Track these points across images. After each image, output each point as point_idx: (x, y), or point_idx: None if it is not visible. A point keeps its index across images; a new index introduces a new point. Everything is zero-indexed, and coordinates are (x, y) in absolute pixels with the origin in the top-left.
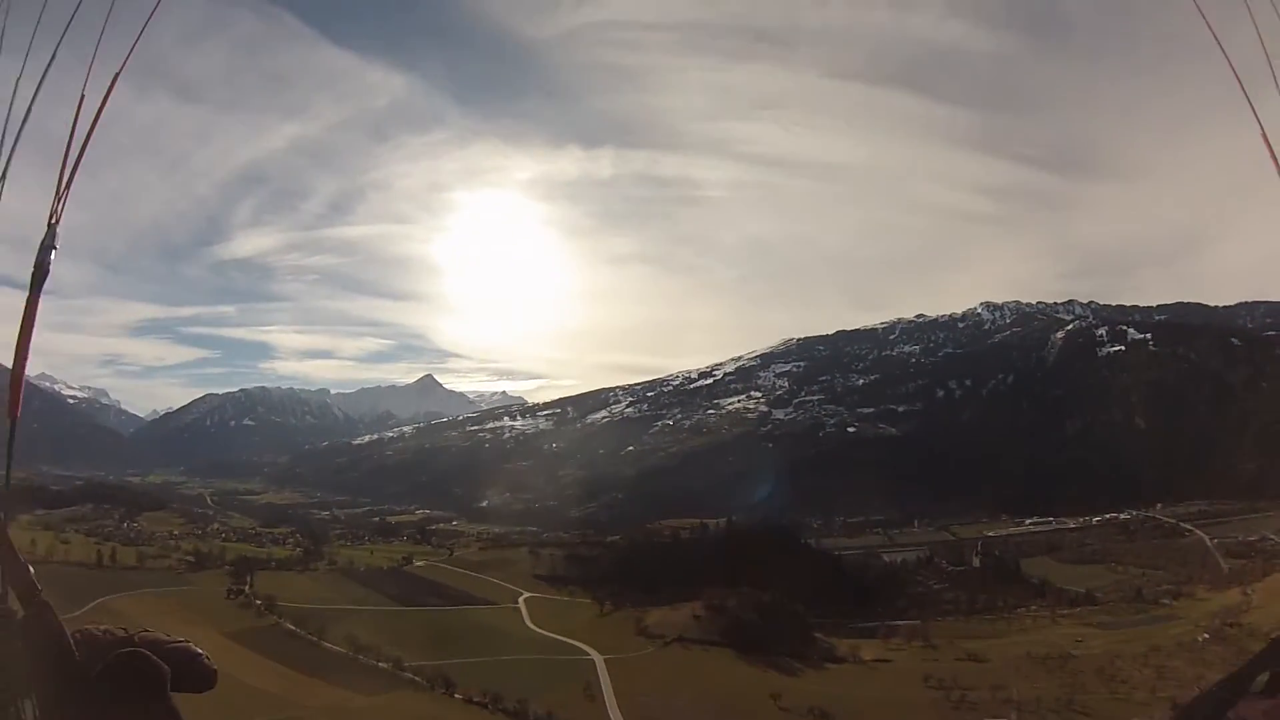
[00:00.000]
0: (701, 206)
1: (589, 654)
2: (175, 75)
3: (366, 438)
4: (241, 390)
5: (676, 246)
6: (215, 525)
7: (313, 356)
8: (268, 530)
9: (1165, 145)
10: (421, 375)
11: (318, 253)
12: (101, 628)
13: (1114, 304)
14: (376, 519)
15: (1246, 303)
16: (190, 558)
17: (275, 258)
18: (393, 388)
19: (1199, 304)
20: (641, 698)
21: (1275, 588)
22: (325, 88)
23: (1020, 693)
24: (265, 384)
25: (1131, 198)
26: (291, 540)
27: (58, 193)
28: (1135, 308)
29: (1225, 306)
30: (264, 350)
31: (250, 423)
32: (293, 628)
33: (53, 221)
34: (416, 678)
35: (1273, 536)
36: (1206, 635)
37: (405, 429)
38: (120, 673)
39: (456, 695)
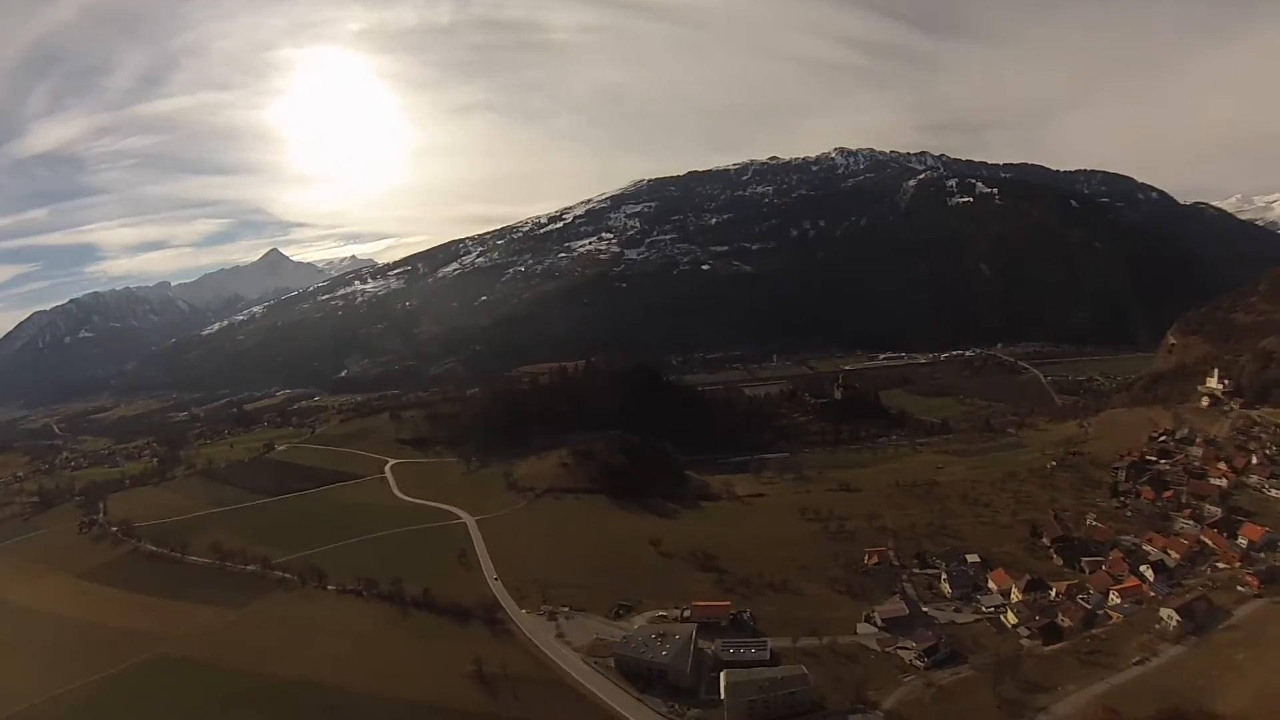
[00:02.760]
0: (550, 52)
1: (460, 517)
2: None
3: (215, 326)
4: (71, 301)
5: (524, 94)
6: (64, 455)
7: (145, 250)
8: (122, 447)
9: (1031, 15)
10: (266, 251)
11: (132, 134)
12: None
13: (964, 159)
14: (235, 410)
15: (1086, 170)
16: (35, 498)
17: (84, 146)
18: (237, 269)
19: (1043, 166)
20: (519, 557)
21: (1107, 422)
22: None
23: (894, 520)
24: (97, 289)
25: (992, 61)
26: (148, 452)
27: None
28: (984, 164)
29: (1066, 171)
30: (88, 252)
31: (88, 334)
32: (153, 548)
33: None
34: (286, 574)
35: (1098, 377)
36: (1054, 463)
37: (255, 309)
38: None
39: (329, 587)
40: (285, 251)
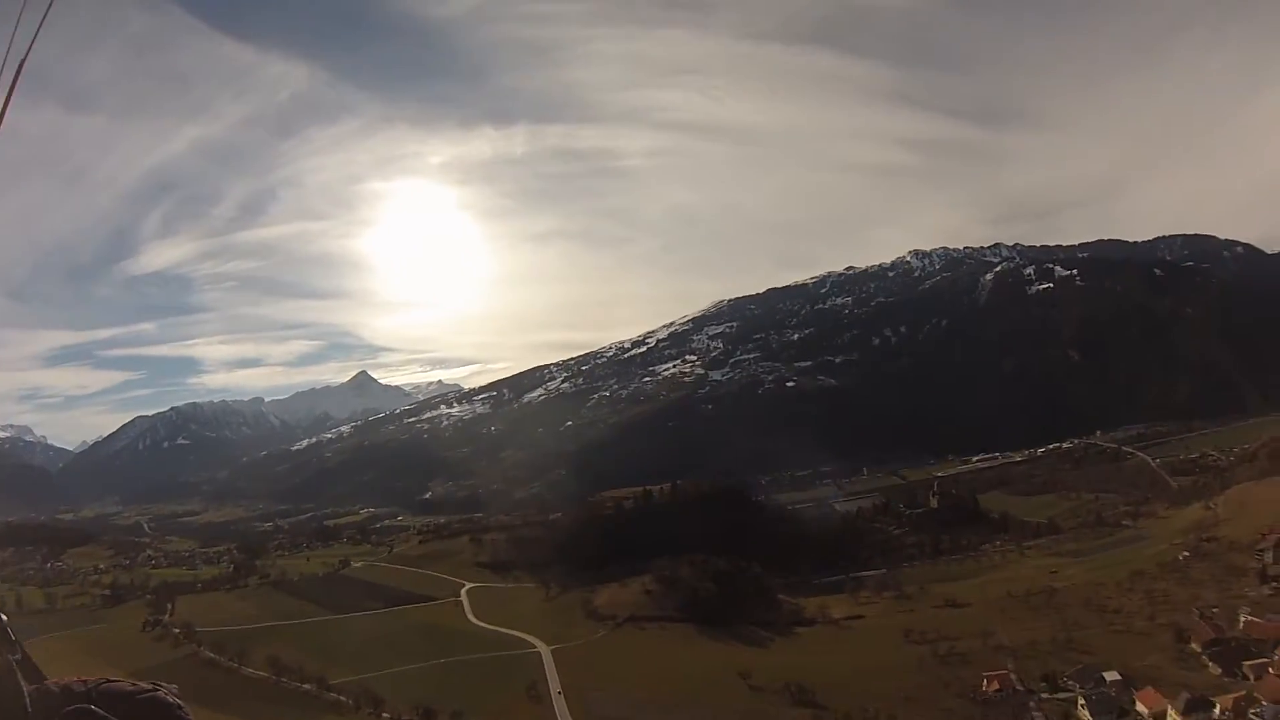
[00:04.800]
0: (621, 178)
1: (535, 645)
2: (64, 83)
3: (305, 442)
4: (172, 409)
5: (598, 220)
6: (147, 553)
7: (242, 366)
8: (204, 550)
9: (1081, 94)
10: (355, 373)
11: (234, 258)
12: (60, 681)
13: (1039, 245)
14: (317, 524)
15: (1164, 237)
16: (107, 591)
17: (190, 267)
18: (327, 388)
19: (1119, 240)
20: (594, 692)
21: (1237, 499)
22: (225, 85)
23: (1012, 637)
24: (196, 400)
25: (1050, 145)
26: (226, 558)
27: None
28: (1059, 247)
29: (1144, 241)
30: (190, 365)
31: (184, 441)
32: (212, 655)
33: None
34: (341, 697)
35: (1213, 452)
36: (1186, 553)
37: (343, 429)
38: None
39: (385, 715)
40: (373, 374)
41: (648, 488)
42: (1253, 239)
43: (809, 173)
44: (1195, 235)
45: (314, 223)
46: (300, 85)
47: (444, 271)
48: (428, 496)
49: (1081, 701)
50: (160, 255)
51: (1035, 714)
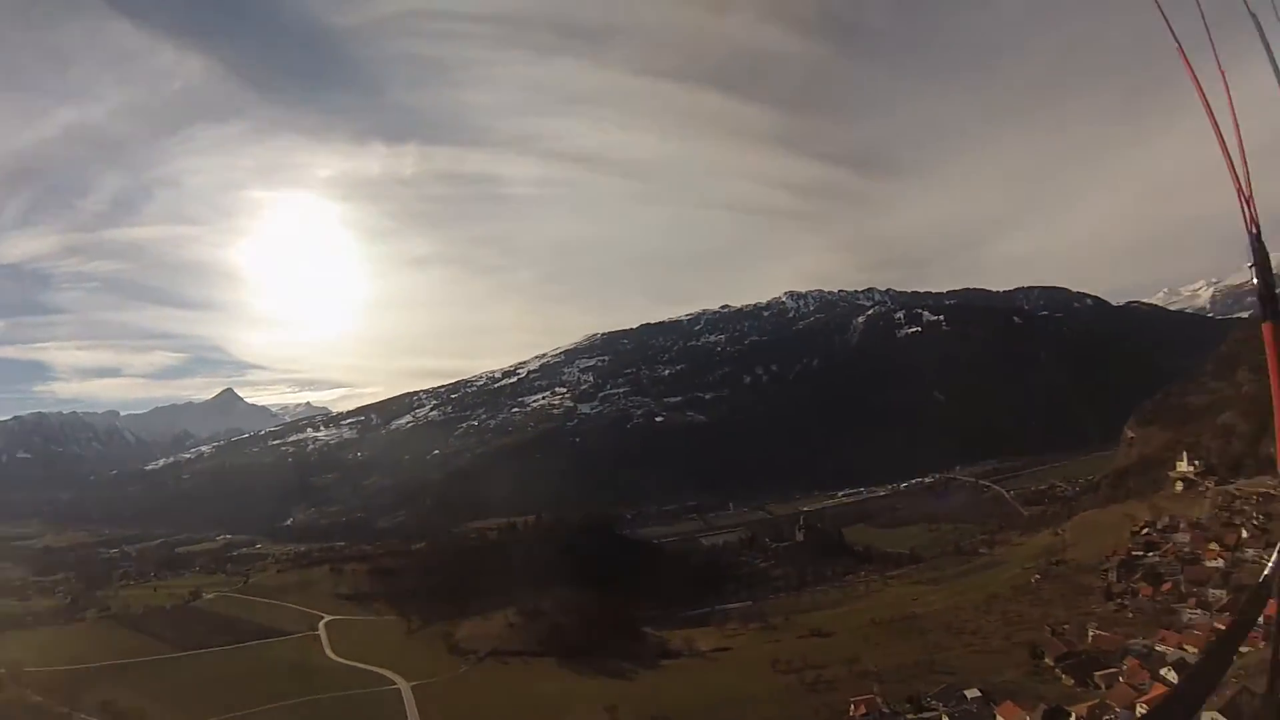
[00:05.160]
0: (505, 204)
1: (395, 683)
2: None
3: (161, 462)
4: (14, 418)
5: (478, 247)
6: None
7: (98, 375)
8: (40, 579)
9: (954, 151)
10: (220, 390)
11: (99, 258)
12: None
13: (909, 290)
14: (169, 552)
15: (1023, 287)
16: None
17: (50, 263)
18: (190, 405)
19: (983, 289)
20: None
21: (1082, 525)
22: (109, 68)
23: (876, 662)
24: (43, 409)
25: (924, 195)
26: (62, 588)
27: None
28: (929, 293)
29: (1006, 291)
30: (39, 371)
31: (26, 455)
32: (38, 699)
33: None
34: None
35: (1060, 483)
36: (1038, 575)
37: (204, 449)
38: None
39: None
40: (240, 392)
41: (513, 519)
42: (1102, 291)
43: (691, 210)
44: (1051, 287)
45: (189, 227)
46: (192, 79)
47: (320, 290)
48: (289, 523)
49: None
50: (16, 247)
51: None
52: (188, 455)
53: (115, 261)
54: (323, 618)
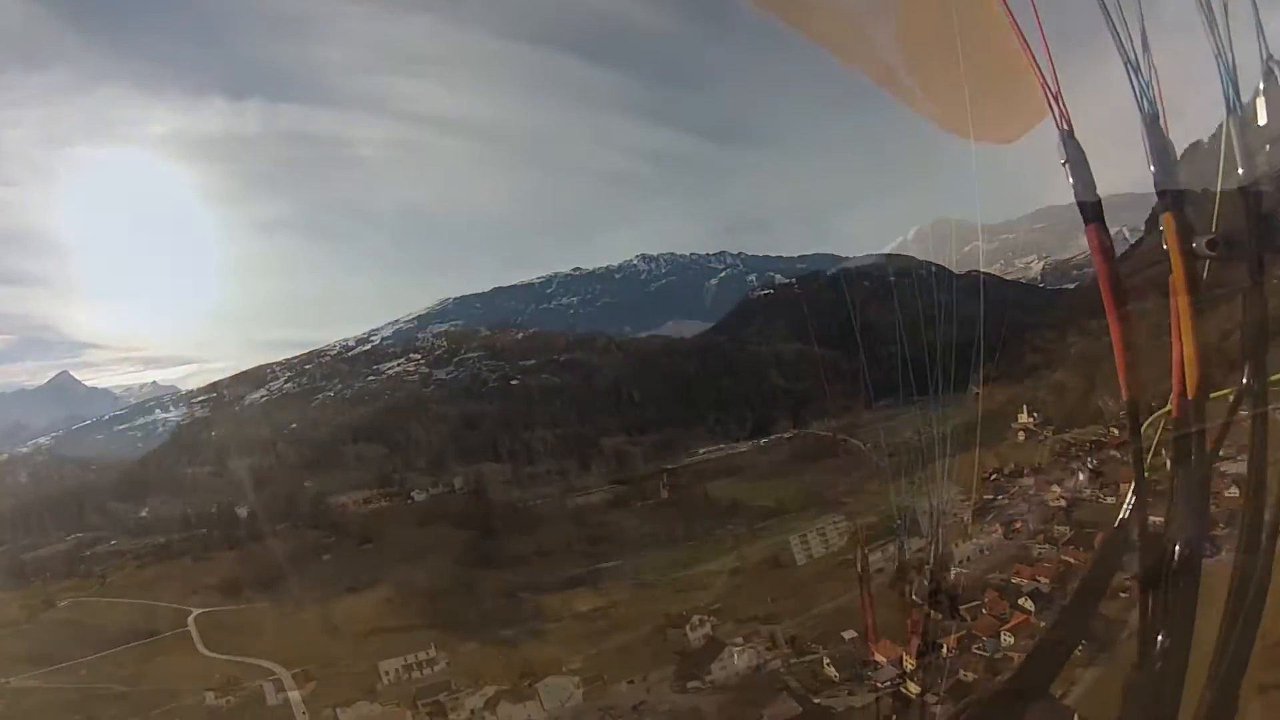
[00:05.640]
0: (355, 167)
1: (275, 672)
2: None
3: None
4: None
5: (327, 211)
6: None
7: None
8: None
9: (809, 121)
10: (55, 373)
11: None
12: None
13: (762, 255)
14: (11, 560)
15: (874, 254)
16: None
17: None
18: (21, 392)
19: (834, 254)
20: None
21: (935, 473)
22: None
23: (752, 611)
24: None
25: (777, 164)
26: None
27: None
28: (780, 258)
29: (854, 256)
30: None
31: None
32: None
33: None
34: None
35: (911, 435)
36: (899, 520)
37: (42, 439)
38: None
39: None
40: (77, 375)
41: (379, 491)
42: (948, 262)
43: (543, 175)
44: (898, 255)
45: (4, 189)
46: (9, 18)
47: (159, 259)
48: (144, 515)
49: (826, 661)
50: None
51: (787, 678)
52: (23, 449)
53: None
54: (191, 612)
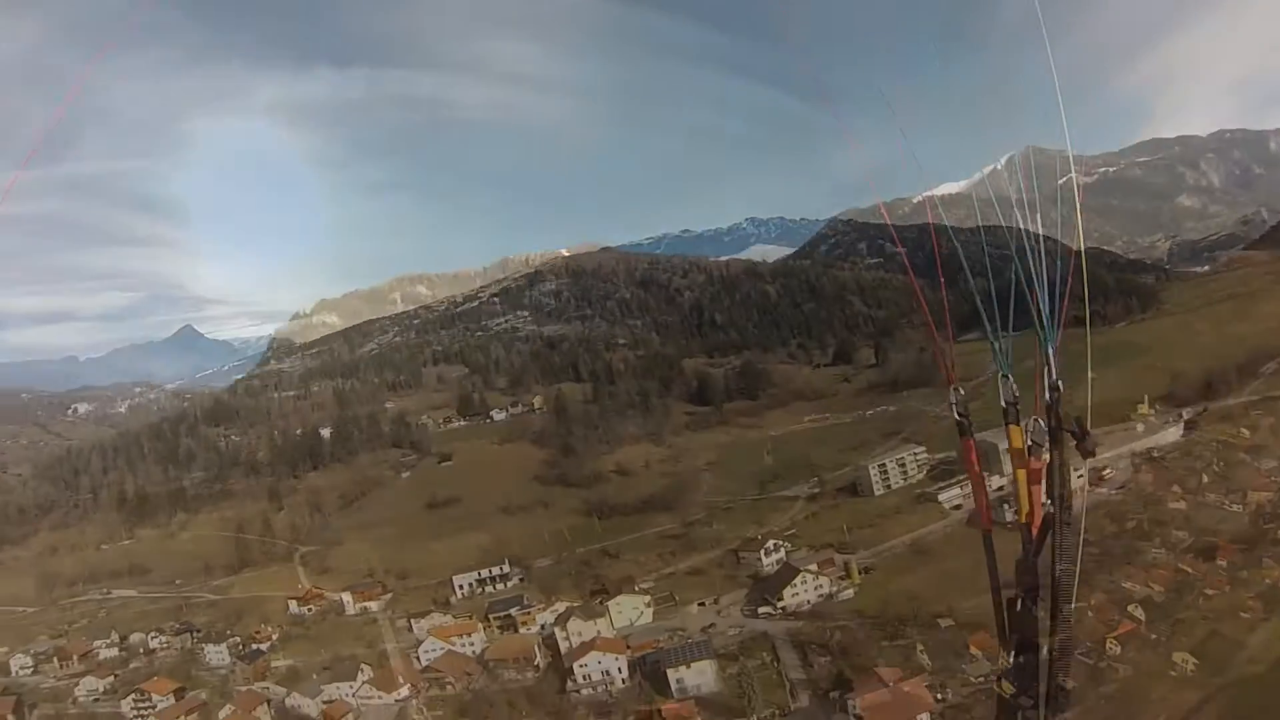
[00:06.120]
0: (458, 129)
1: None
2: None
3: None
4: None
5: (433, 173)
6: None
7: (49, 321)
8: None
9: (906, 68)
10: (180, 327)
11: (35, 196)
12: None
13: (871, 222)
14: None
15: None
16: None
17: None
18: (150, 344)
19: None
20: None
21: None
22: None
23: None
24: None
25: (878, 122)
26: None
27: None
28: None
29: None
30: None
31: None
32: None
33: None
34: None
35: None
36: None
37: (168, 386)
38: None
39: None
40: (200, 329)
41: None
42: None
43: (645, 133)
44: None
45: (132, 160)
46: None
47: (274, 220)
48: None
49: (920, 648)
50: None
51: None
52: (151, 395)
53: (54, 200)
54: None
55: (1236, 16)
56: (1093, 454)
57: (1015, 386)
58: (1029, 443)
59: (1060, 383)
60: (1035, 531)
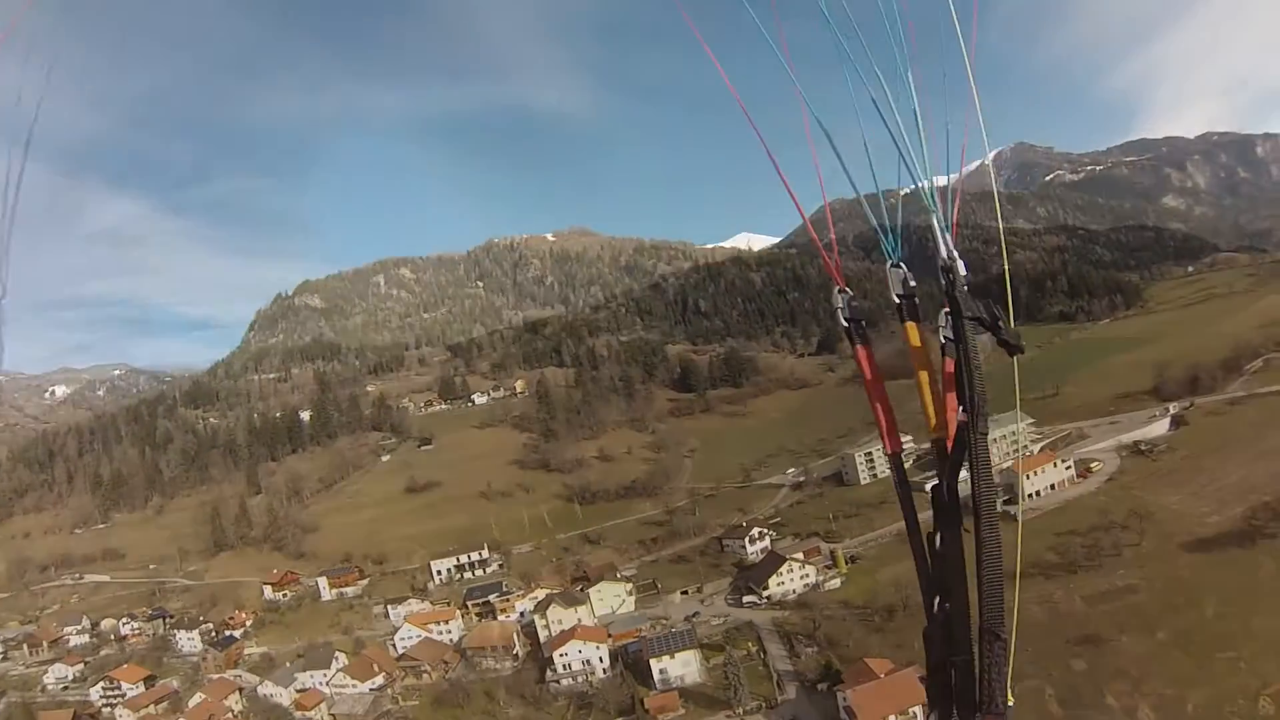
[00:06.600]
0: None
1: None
2: None
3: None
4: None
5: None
6: None
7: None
8: None
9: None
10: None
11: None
12: None
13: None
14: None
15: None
16: None
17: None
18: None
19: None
20: None
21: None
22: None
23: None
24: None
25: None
26: None
27: None
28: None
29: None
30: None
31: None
32: None
33: None
34: None
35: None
36: None
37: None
38: None
39: None
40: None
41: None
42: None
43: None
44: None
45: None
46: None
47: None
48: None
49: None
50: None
51: None
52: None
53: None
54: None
55: (1228, 19)
56: (1020, 349)
57: (910, 275)
58: (944, 341)
59: (959, 265)
60: (950, 445)
